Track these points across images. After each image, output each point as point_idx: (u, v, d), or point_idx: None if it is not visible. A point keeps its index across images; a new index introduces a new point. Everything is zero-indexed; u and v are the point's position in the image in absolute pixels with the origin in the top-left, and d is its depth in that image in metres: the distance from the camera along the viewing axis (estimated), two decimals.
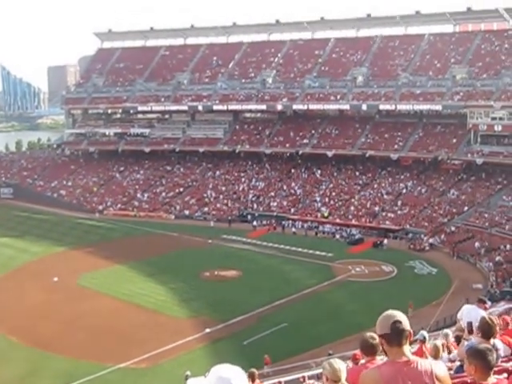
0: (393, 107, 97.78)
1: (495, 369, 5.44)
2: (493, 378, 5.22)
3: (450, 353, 12.33)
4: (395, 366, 4.89)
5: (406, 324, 5.04)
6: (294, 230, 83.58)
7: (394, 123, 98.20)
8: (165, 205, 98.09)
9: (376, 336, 7.37)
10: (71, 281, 61.23)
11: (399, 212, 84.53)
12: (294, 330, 47.61)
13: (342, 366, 6.58)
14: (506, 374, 5.96)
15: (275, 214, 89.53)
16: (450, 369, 7.58)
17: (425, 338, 12.42)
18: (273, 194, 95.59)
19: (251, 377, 14.95)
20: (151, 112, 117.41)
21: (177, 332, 47.44)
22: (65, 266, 66.85)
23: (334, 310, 53.28)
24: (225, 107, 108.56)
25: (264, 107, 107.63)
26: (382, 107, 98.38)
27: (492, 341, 7.82)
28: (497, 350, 7.83)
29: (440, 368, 4.91)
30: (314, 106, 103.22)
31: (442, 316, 45.54)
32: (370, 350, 6.91)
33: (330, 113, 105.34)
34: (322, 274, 63.81)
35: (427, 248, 73.91)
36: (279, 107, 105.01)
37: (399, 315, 5.07)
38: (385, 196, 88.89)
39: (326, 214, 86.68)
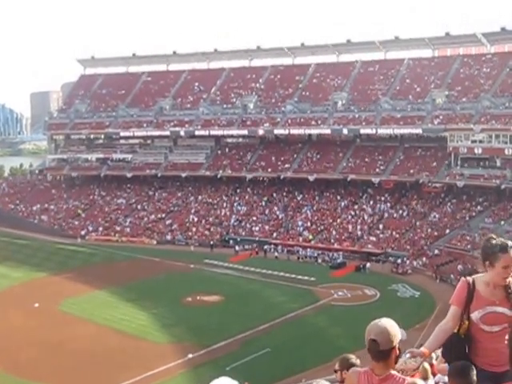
0: (373, 131, 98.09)
1: None
2: None
3: (434, 375, 12.33)
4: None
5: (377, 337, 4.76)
6: (276, 254, 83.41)
7: (375, 147, 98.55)
8: (147, 230, 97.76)
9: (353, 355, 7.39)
10: (53, 306, 60.78)
11: (381, 235, 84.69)
12: (278, 354, 47.42)
13: None
14: None
15: (257, 238, 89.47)
16: None
17: None
18: (255, 218, 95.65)
19: None
20: (133, 137, 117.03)
21: (159, 357, 47.13)
22: (46, 291, 66.30)
23: (318, 334, 53.05)
24: (207, 132, 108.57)
25: (246, 132, 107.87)
26: (362, 131, 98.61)
27: None
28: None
29: None
30: (295, 131, 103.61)
31: (425, 339, 44.81)
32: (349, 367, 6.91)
33: (311, 137, 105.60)
34: (304, 298, 63.69)
35: (410, 271, 74.07)
36: (261, 132, 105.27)
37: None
38: (367, 219, 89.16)
39: (310, 237, 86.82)
